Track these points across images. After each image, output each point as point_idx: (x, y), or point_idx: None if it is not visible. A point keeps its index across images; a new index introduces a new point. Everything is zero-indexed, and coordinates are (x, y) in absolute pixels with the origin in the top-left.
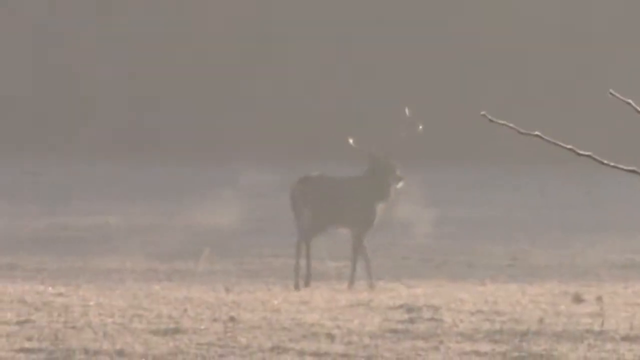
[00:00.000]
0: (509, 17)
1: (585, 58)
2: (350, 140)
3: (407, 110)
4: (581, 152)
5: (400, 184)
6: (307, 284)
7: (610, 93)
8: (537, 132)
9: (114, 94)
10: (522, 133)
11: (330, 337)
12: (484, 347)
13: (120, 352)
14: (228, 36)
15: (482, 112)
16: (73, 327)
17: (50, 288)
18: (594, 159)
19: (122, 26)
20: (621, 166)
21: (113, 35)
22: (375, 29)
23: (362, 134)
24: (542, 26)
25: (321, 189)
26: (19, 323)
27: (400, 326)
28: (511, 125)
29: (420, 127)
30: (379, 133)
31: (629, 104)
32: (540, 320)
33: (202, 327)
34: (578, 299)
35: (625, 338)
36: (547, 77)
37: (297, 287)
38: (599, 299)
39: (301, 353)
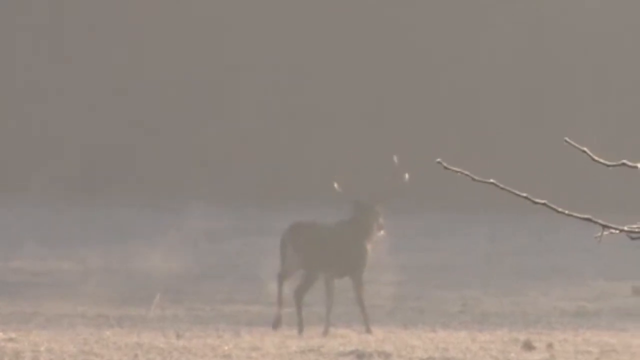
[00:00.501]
0: (462, 61)
1: (541, 104)
2: (335, 185)
3: (395, 159)
4: (536, 200)
5: (381, 233)
6: (299, 331)
7: (566, 141)
8: (492, 180)
9: (66, 138)
10: (476, 180)
11: None
12: None
13: None
14: (178, 80)
15: (438, 160)
16: None
17: (1, 333)
18: (550, 207)
19: (75, 70)
20: (576, 214)
21: (67, 82)
22: (321, 65)
23: (319, 179)
24: (497, 70)
25: (313, 236)
26: None
27: None
28: (466, 172)
29: (407, 175)
30: (357, 179)
31: (584, 151)
32: None
33: None
34: (529, 347)
35: None
36: (500, 124)
37: (276, 327)
38: (550, 346)
39: None
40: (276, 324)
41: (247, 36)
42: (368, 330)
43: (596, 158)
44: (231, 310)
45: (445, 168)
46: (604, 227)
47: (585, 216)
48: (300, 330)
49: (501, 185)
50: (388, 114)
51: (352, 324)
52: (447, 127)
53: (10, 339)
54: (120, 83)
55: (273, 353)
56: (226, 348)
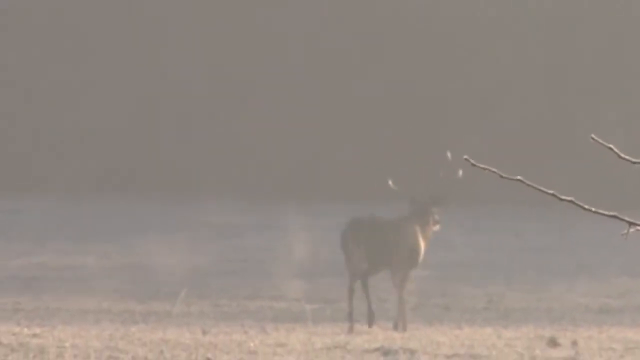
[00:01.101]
0: (489, 58)
1: (568, 102)
2: (390, 182)
3: (449, 154)
4: (563, 197)
5: (437, 227)
6: (370, 324)
7: (592, 138)
8: (519, 177)
9: (89, 134)
10: (504, 177)
11: None
12: None
13: None
14: (198, 70)
15: (465, 156)
16: None
17: (25, 329)
18: (576, 204)
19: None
20: (602, 211)
21: (89, 82)
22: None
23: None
24: (524, 68)
25: (373, 231)
26: None
27: None
28: (493, 169)
29: (460, 171)
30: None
31: (610, 149)
32: None
33: None
34: (553, 343)
35: None
36: (528, 121)
37: (350, 331)
38: (574, 343)
39: None
40: (370, 320)
41: (267, 31)
42: (403, 327)
43: (622, 155)
44: (256, 306)
45: (473, 165)
46: (631, 224)
47: (612, 213)
48: (371, 324)
49: (528, 182)
50: (408, 110)
51: (378, 320)
52: (470, 123)
53: (35, 335)
54: (141, 81)
55: (299, 349)
56: (252, 344)
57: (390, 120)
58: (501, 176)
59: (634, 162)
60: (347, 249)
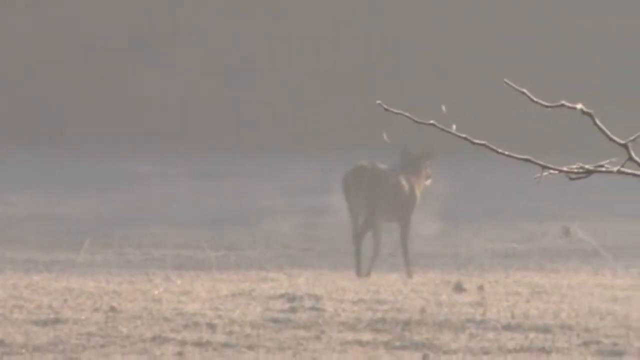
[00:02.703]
0: (412, 7)
1: (480, 46)
2: (385, 135)
3: (443, 108)
4: (476, 140)
5: (428, 182)
6: (368, 273)
7: (505, 82)
8: (432, 121)
9: None
10: (417, 122)
11: (212, 326)
12: (366, 336)
13: (1, 343)
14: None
15: (378, 101)
16: None
17: None
18: (489, 148)
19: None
20: (515, 155)
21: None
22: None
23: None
24: (442, 17)
25: (375, 178)
26: None
27: (281, 315)
28: (407, 114)
29: (454, 126)
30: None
31: (523, 93)
32: (422, 310)
33: (83, 317)
34: (459, 289)
35: (507, 327)
36: (439, 68)
37: (359, 274)
38: (481, 288)
39: (182, 343)
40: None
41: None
42: (409, 274)
43: (535, 99)
44: (160, 254)
45: (386, 110)
46: (544, 167)
47: (525, 157)
48: (359, 273)
49: (440, 126)
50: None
51: (283, 267)
52: (391, 71)
53: None
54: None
55: (203, 297)
56: (156, 292)
57: (382, 77)
58: (415, 121)
59: (547, 106)
60: (348, 194)
